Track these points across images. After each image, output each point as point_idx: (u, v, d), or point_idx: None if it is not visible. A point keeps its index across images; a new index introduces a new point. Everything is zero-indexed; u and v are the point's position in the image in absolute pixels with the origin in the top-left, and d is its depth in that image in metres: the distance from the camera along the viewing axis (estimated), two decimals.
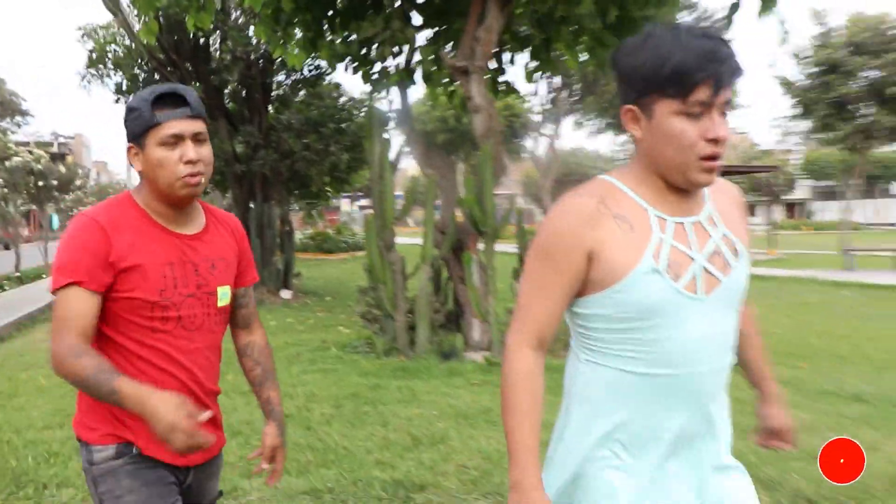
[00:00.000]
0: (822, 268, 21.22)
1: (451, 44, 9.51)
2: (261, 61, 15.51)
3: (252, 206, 15.80)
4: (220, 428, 2.31)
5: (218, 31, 15.35)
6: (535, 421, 1.74)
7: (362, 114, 16.62)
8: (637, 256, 1.68)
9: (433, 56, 8.83)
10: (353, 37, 9.54)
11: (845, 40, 26.95)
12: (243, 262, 2.33)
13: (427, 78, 9.09)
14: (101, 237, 1.99)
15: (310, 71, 16.35)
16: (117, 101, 17.17)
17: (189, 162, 2.02)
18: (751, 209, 51.71)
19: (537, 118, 26.85)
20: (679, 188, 1.75)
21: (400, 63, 9.71)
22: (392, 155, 16.18)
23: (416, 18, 9.48)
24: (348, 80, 75.94)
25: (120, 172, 78.79)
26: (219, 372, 2.27)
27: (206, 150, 2.09)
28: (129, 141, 2.10)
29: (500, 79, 10.01)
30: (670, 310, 1.69)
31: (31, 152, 24.02)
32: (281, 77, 16.79)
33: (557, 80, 24.01)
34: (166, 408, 1.78)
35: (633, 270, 1.67)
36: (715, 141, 1.64)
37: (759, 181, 39.98)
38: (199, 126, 2.06)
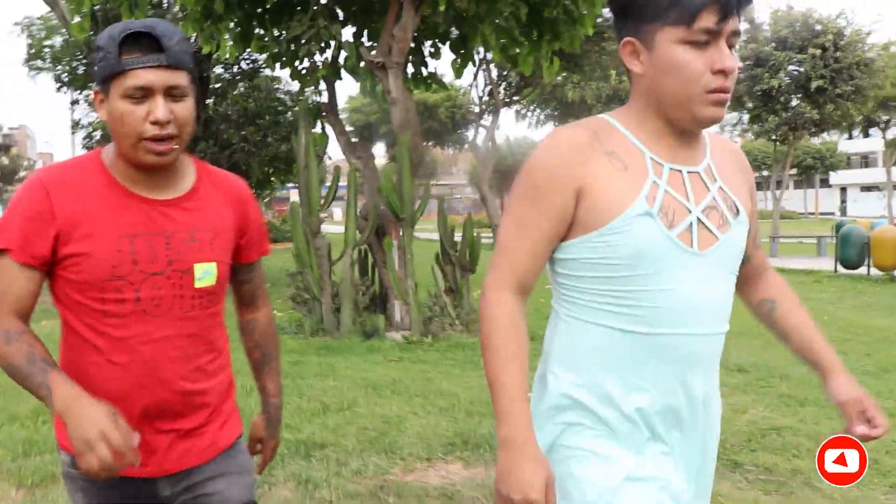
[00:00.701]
0: None
1: (373, 41, 10.03)
2: (198, 54, 15.82)
3: None
4: (226, 425, 2.00)
5: None
6: (521, 367, 1.58)
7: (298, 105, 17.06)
8: (630, 197, 1.55)
9: (356, 52, 9.29)
10: (283, 34, 9.98)
11: (770, 35, 28.04)
12: (249, 233, 1.98)
13: (351, 72, 9.57)
14: (42, 200, 1.70)
15: (247, 64, 16.73)
16: (59, 89, 17.36)
17: (156, 122, 1.67)
18: None
19: (476, 109, 27.39)
20: (679, 133, 1.62)
21: (327, 58, 10.18)
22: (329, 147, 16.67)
23: (343, 15, 9.97)
24: (286, 72, 75.83)
25: None
26: (209, 366, 1.90)
27: (183, 108, 1.72)
28: (96, 85, 1.77)
29: (437, 72, 10.59)
30: (662, 259, 1.55)
31: None
32: (219, 70, 17.12)
33: (494, 72, 24.54)
34: (90, 420, 1.53)
35: (624, 211, 1.54)
36: (723, 72, 1.51)
37: None
38: (176, 77, 1.69)
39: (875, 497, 4.20)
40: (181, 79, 1.70)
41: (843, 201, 70.06)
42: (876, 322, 10.36)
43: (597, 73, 24.47)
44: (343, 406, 5.99)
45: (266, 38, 10.17)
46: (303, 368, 7.48)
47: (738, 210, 1.66)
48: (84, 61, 16.19)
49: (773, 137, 29.74)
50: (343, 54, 9.88)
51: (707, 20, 1.47)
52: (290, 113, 17.05)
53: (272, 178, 20.95)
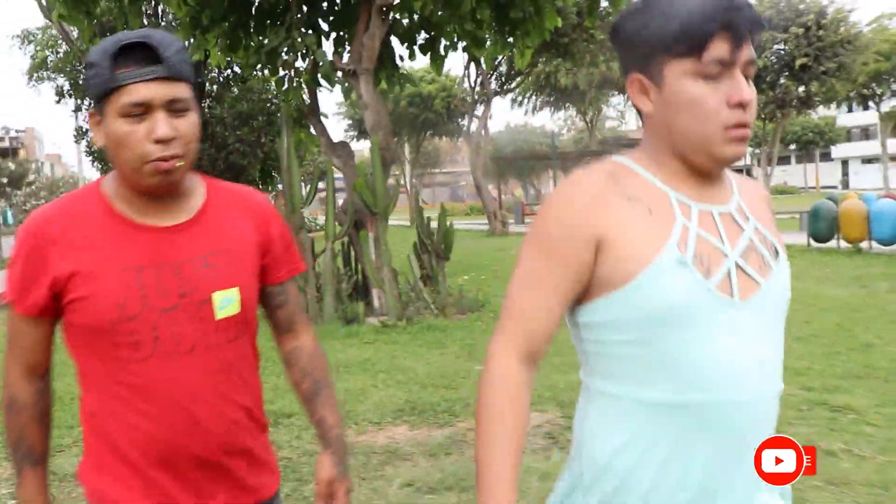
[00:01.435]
0: None
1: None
2: (193, 59, 16.58)
3: None
4: (266, 473, 1.82)
5: None
6: (510, 449, 1.40)
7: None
8: (658, 245, 1.37)
9: (330, 60, 10.04)
10: (263, 44, 10.75)
11: None
12: (273, 250, 1.80)
13: (326, 79, 10.32)
14: (33, 246, 1.60)
15: (240, 68, 17.47)
16: (58, 101, 18.12)
17: (160, 141, 1.53)
18: None
19: (469, 100, 28.14)
20: (702, 172, 1.46)
21: (307, 66, 10.94)
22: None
23: (317, 27, 10.76)
24: None
25: (74, 165, 78.79)
26: (247, 403, 1.74)
27: (187, 123, 1.58)
28: (92, 105, 1.64)
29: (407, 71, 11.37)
30: (701, 314, 1.37)
31: None
32: (214, 73, 17.89)
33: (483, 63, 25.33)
34: None
35: (653, 261, 1.36)
36: (741, 105, 1.37)
37: None
38: (176, 90, 1.56)
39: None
40: (182, 91, 1.56)
41: (845, 174, 70.46)
42: (828, 292, 11.02)
43: (586, 59, 25.09)
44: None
45: (250, 48, 10.94)
46: None
47: (777, 252, 1.49)
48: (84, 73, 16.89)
49: (763, 116, 30.36)
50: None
51: (719, 50, 1.34)
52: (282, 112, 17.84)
53: (272, 175, 21.73)
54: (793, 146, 62.16)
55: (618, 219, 1.39)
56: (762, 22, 1.40)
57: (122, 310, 1.57)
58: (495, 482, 1.38)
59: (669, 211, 1.41)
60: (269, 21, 10.63)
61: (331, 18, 11.03)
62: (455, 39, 10.77)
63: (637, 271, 1.36)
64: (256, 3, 10.42)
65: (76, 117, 19.35)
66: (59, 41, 17.52)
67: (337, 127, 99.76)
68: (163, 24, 16.16)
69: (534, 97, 36.86)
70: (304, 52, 10.55)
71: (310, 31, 10.55)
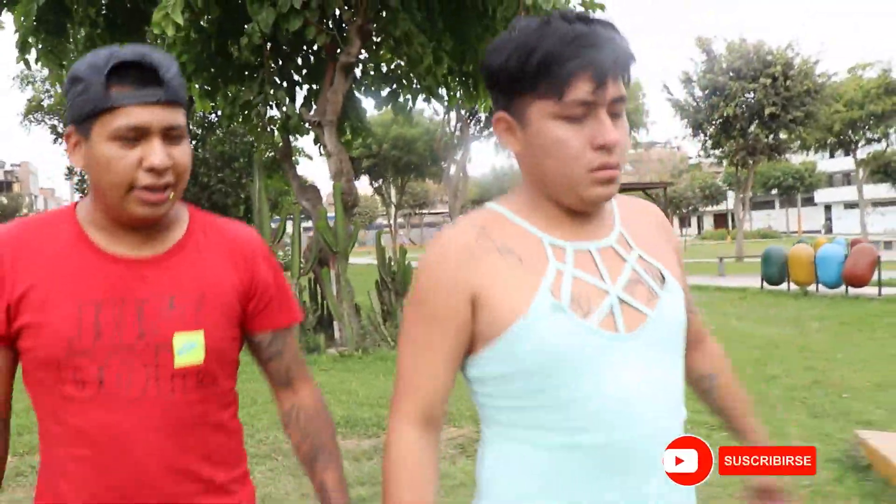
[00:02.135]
0: (702, 274, 23.38)
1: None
2: None
3: None
4: None
5: None
6: None
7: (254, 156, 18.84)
8: (530, 293, 1.33)
9: (298, 113, 10.97)
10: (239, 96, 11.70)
11: (725, 66, 29.88)
12: (258, 296, 1.63)
13: (296, 129, 11.24)
14: None
15: (217, 118, 18.45)
16: (55, 141, 19.00)
17: (152, 170, 1.41)
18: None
19: (450, 143, 29.16)
20: (576, 212, 1.42)
21: (280, 115, 11.89)
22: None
23: (288, 82, 11.74)
24: None
25: (66, 200, 79.54)
26: (207, 473, 1.55)
27: (181, 152, 1.46)
28: (69, 123, 1.48)
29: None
30: (586, 356, 1.33)
31: None
32: (199, 115, 18.83)
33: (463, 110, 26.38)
34: None
35: (525, 312, 1.32)
36: (605, 148, 1.32)
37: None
38: (174, 116, 1.43)
39: None
40: (180, 117, 1.45)
41: (828, 219, 71.68)
42: (761, 331, 11.84)
43: None
44: (267, 400, 7.55)
45: (227, 97, 11.88)
46: (244, 376, 9.00)
47: (664, 277, 1.45)
48: None
49: (735, 162, 31.39)
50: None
51: (580, 91, 1.29)
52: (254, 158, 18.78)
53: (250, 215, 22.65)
54: (774, 191, 63.42)
55: (489, 273, 1.35)
56: (630, 56, 1.34)
57: (71, 343, 1.42)
58: None
59: (542, 256, 1.37)
60: (246, 72, 11.56)
61: (304, 72, 12.01)
62: (415, 91, 11.78)
63: (511, 322, 1.33)
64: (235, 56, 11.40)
65: (67, 157, 20.04)
66: (57, 84, 18.37)
67: (322, 167, 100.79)
68: None
69: None
70: (275, 104, 11.49)
71: (284, 84, 11.51)
